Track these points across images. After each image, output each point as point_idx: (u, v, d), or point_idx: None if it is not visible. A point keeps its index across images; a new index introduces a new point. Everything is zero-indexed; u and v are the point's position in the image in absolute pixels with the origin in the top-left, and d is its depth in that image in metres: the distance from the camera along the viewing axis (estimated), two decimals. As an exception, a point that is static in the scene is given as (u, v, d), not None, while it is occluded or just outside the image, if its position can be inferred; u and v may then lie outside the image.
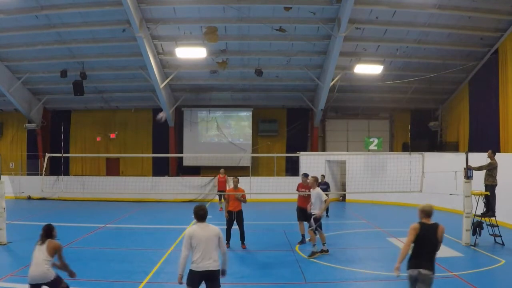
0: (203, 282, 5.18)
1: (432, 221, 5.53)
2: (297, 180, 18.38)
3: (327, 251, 9.21)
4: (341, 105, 23.20)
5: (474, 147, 18.02)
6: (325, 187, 14.52)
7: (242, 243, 9.97)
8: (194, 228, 5.30)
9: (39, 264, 5.69)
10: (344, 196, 20.17)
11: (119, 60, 19.55)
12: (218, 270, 5.22)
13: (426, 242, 5.26)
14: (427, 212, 5.60)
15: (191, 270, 5.16)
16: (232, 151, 22.50)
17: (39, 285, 5.65)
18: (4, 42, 18.15)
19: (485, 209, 10.68)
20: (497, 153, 11.08)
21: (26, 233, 11.86)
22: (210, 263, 5.13)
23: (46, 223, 6.30)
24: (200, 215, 5.39)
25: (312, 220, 9.13)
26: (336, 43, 16.82)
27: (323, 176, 15.35)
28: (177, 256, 9.15)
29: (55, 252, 5.96)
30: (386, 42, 18.12)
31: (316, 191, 9.26)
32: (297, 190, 10.98)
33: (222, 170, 17.16)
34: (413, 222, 5.38)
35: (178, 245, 10.46)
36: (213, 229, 5.35)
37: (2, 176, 10.73)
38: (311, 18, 16.63)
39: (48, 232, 6.20)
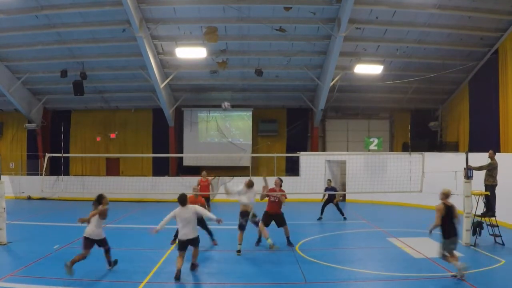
0: (189, 246, 7.88)
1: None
2: (298, 180, 18.56)
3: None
4: (341, 105, 23.20)
5: (474, 147, 18.00)
6: (333, 191, 14.74)
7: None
8: (178, 210, 7.87)
9: (93, 226, 7.88)
10: (344, 196, 20.15)
11: (119, 60, 19.56)
12: (197, 237, 7.92)
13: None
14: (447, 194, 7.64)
15: (179, 239, 7.89)
16: (232, 151, 22.49)
17: (94, 241, 7.85)
18: (4, 42, 18.15)
19: (485, 209, 10.68)
20: (497, 153, 11.09)
21: (26, 233, 11.88)
22: (190, 233, 7.82)
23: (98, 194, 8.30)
24: (182, 200, 7.90)
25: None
26: (336, 43, 16.82)
27: (329, 180, 15.43)
28: (177, 256, 9.18)
29: (104, 213, 7.99)
30: (386, 42, 18.12)
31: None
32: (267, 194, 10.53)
33: (204, 173, 15.01)
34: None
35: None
36: (190, 209, 7.88)
37: (2, 176, 10.73)
38: (311, 18, 16.63)
39: (98, 200, 8.24)
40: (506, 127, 16.75)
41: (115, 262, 8.24)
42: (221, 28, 17.30)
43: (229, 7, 15.84)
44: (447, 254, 7.52)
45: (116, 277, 7.64)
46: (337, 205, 14.71)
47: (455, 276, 7.43)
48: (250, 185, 9.89)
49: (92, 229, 7.86)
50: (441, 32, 17.34)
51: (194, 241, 7.91)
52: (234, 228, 9.92)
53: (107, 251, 8.09)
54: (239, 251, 9.38)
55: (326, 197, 14.79)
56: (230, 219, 13.28)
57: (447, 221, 7.42)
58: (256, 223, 9.90)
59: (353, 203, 18.95)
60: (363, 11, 16.13)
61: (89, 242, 7.80)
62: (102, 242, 7.99)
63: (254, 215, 9.83)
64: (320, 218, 14.55)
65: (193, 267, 8.11)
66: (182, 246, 7.85)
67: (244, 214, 9.64)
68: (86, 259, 8.64)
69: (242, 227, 9.61)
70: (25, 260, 8.58)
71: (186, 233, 7.76)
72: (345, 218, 14.43)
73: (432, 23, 16.77)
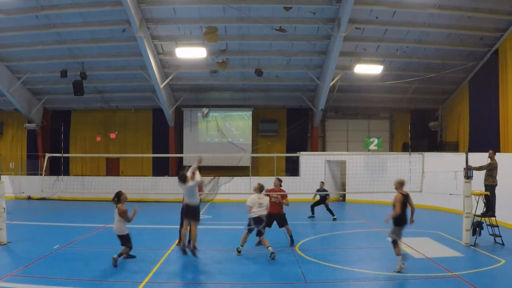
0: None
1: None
2: (298, 180, 18.56)
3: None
4: (341, 105, 23.20)
5: (474, 147, 18.01)
6: (323, 194, 15.02)
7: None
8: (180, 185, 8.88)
9: (115, 221, 8.55)
10: (344, 196, 20.16)
11: (119, 60, 19.56)
12: (194, 205, 8.90)
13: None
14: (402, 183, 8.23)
15: (182, 206, 9.09)
16: (232, 151, 22.50)
17: (117, 236, 8.56)
18: (4, 42, 18.16)
19: (485, 209, 10.67)
20: (497, 153, 11.08)
21: (26, 233, 11.87)
22: (189, 201, 8.87)
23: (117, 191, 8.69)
24: (182, 179, 8.82)
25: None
26: (336, 43, 16.82)
27: (322, 183, 15.61)
28: (177, 256, 9.19)
29: (122, 213, 8.47)
30: (386, 42, 18.12)
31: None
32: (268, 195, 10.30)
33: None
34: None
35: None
36: (189, 184, 8.80)
37: (2, 176, 10.72)
38: (311, 18, 16.63)
39: (117, 197, 8.60)
40: (506, 127, 16.75)
41: (126, 255, 8.62)
42: (221, 28, 17.30)
43: (229, 7, 15.83)
44: (399, 240, 8.01)
45: (116, 277, 7.64)
46: (327, 206, 14.88)
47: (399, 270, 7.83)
48: (261, 189, 9.57)
49: (115, 224, 8.59)
50: (441, 32, 17.34)
51: (192, 207, 8.93)
52: (234, 228, 9.94)
53: (127, 248, 8.57)
54: (239, 252, 9.31)
55: (318, 197, 15.10)
56: (230, 219, 13.34)
57: (403, 209, 8.05)
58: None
59: (353, 203, 18.95)
60: (363, 11, 16.13)
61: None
62: (122, 238, 8.54)
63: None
64: (312, 217, 14.79)
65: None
66: (184, 211, 9.09)
67: (258, 220, 9.19)
68: (86, 259, 8.67)
69: (256, 232, 9.25)
70: (25, 260, 8.57)
71: (186, 201, 8.91)
72: (335, 219, 14.40)
73: (432, 23, 16.77)
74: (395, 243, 7.97)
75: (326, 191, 15.35)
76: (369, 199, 18.50)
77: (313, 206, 15.04)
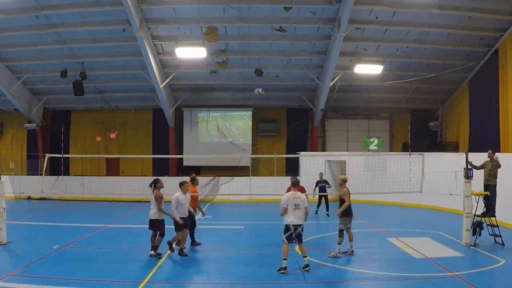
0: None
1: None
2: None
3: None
4: (341, 105, 23.20)
5: (474, 147, 18.01)
6: (324, 184, 15.27)
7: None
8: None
9: (152, 207, 8.91)
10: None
11: (119, 60, 19.56)
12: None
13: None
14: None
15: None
16: (232, 151, 22.50)
17: (152, 221, 8.92)
18: (4, 42, 18.16)
19: (485, 209, 10.67)
20: (497, 153, 11.08)
21: (26, 233, 11.86)
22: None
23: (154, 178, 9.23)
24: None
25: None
26: (336, 43, 16.82)
27: (321, 173, 15.88)
28: (177, 256, 9.19)
29: (159, 198, 8.90)
30: (386, 42, 18.12)
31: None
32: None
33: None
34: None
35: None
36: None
37: (2, 176, 10.71)
38: (311, 18, 16.63)
39: (154, 184, 9.10)
40: (506, 127, 16.75)
41: (159, 255, 8.87)
42: (221, 28, 17.30)
43: (229, 7, 15.83)
44: (349, 228, 9.15)
45: (116, 277, 7.63)
46: (326, 200, 15.17)
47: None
48: (296, 183, 8.14)
49: (151, 210, 8.97)
50: (441, 32, 17.34)
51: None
52: (234, 228, 9.93)
53: (160, 235, 8.97)
54: (285, 268, 7.86)
55: (317, 190, 15.28)
56: (230, 219, 13.33)
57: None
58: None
59: (353, 203, 18.57)
60: (363, 11, 16.13)
61: (152, 224, 8.98)
62: (156, 224, 8.93)
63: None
64: (317, 211, 15.20)
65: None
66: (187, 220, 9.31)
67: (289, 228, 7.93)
68: (86, 259, 8.67)
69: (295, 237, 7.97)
70: (25, 260, 8.57)
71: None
72: (328, 215, 14.69)
73: (432, 23, 16.76)
74: (341, 232, 9.07)
75: (327, 182, 15.53)
76: (369, 199, 18.44)
77: (319, 205, 15.36)
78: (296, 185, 8.06)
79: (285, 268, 7.81)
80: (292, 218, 7.81)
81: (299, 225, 7.84)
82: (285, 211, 7.84)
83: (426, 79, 19.45)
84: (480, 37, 17.59)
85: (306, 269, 7.86)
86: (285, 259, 7.83)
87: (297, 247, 8.59)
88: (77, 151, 23.73)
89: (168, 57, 19.19)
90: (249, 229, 10.36)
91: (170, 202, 9.13)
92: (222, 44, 18.31)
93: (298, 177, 8.28)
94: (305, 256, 8.02)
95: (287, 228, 7.87)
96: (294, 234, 7.84)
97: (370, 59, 18.96)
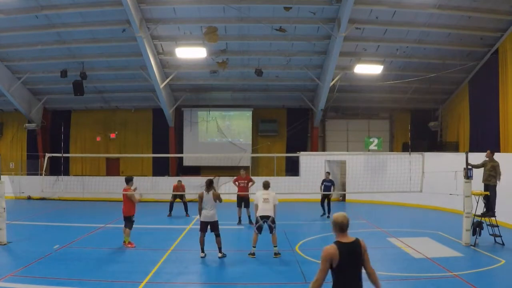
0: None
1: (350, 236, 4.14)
2: (298, 180, 18.58)
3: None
4: (341, 105, 23.20)
5: (474, 147, 18.01)
6: (330, 184, 15.17)
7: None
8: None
9: (209, 208, 8.93)
10: (344, 196, 20.15)
11: (119, 60, 19.55)
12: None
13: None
14: (341, 226, 4.12)
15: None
16: (232, 151, 22.49)
17: (207, 223, 8.92)
18: (4, 42, 18.15)
19: (485, 209, 10.68)
20: (496, 153, 11.07)
21: (26, 233, 11.86)
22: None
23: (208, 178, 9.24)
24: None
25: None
26: (336, 43, 16.81)
27: (328, 173, 15.82)
28: (177, 256, 9.20)
29: (217, 198, 9.01)
30: (386, 42, 18.11)
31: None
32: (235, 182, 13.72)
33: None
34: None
35: (178, 245, 10.48)
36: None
37: (2, 176, 10.72)
38: (311, 18, 16.63)
39: (209, 184, 9.08)
40: (506, 127, 16.75)
41: (223, 254, 8.99)
42: (221, 28, 17.30)
43: (229, 7, 15.83)
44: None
45: (116, 277, 7.64)
46: (329, 201, 15.07)
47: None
48: (266, 185, 9.65)
49: (212, 211, 9.03)
50: (441, 32, 17.33)
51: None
52: (233, 228, 9.93)
53: (218, 236, 9.02)
54: (253, 254, 9.12)
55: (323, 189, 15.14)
56: (230, 219, 13.31)
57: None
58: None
59: (353, 203, 18.94)
60: (363, 11, 16.12)
61: (212, 225, 9.00)
62: (214, 224, 8.96)
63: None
64: (323, 215, 14.98)
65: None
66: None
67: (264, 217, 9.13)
68: (86, 259, 8.67)
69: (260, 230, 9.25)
70: (25, 260, 8.57)
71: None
72: (328, 217, 14.49)
73: (432, 23, 16.76)
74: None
75: (333, 182, 15.42)
76: (369, 199, 18.50)
77: (322, 203, 15.15)
78: (266, 188, 9.53)
79: (253, 253, 9.04)
80: (260, 212, 9.05)
81: (267, 217, 9.01)
82: (256, 208, 9.17)
83: (426, 79, 19.45)
84: (480, 37, 17.59)
85: (277, 256, 9.00)
86: (254, 247, 9.09)
87: (297, 247, 8.59)
88: (77, 151, 23.71)
89: (168, 57, 19.19)
90: (249, 229, 10.38)
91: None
92: (222, 44, 18.30)
93: (268, 180, 9.75)
94: (275, 246, 9.12)
95: (256, 220, 9.15)
96: (263, 226, 9.04)
97: (370, 59, 18.95)
